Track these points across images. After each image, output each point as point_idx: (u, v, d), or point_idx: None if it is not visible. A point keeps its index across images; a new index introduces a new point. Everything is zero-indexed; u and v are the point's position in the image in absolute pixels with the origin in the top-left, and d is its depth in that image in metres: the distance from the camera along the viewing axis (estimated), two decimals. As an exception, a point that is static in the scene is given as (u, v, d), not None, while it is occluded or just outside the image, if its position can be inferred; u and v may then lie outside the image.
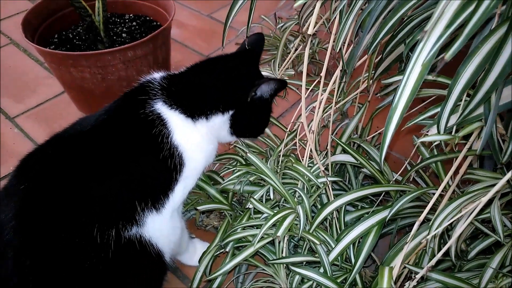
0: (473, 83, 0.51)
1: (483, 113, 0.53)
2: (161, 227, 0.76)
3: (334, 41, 0.71)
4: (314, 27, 0.65)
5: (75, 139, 0.73)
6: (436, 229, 0.60)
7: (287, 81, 1.21)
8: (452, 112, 0.53)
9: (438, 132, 0.53)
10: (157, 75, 0.82)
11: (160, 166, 0.74)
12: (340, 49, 0.66)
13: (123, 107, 0.78)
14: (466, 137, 0.64)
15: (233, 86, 0.80)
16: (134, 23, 1.36)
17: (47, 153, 0.72)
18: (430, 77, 0.58)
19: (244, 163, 1.01)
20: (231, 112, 0.80)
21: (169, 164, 0.74)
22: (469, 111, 0.51)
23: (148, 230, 0.73)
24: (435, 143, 0.64)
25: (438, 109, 0.62)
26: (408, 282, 0.54)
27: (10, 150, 1.27)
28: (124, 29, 1.33)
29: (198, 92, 0.80)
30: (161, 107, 0.76)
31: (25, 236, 0.65)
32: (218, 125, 0.81)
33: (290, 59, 1.06)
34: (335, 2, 0.74)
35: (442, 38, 0.41)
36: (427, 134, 0.58)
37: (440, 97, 0.70)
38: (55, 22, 1.29)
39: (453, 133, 0.55)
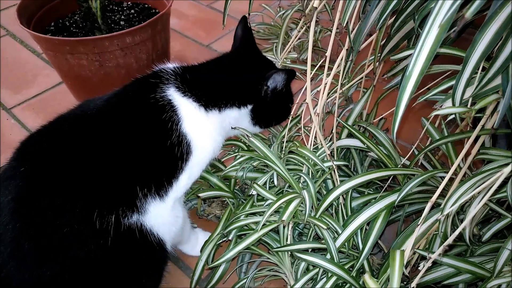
0: (490, 52, 0.49)
1: (501, 84, 0.50)
2: (163, 216, 0.73)
3: (339, 20, 0.68)
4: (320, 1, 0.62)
5: (80, 121, 0.71)
6: (451, 207, 0.57)
7: (291, 65, 1.19)
8: (468, 84, 0.50)
9: (453, 105, 0.50)
10: (171, 65, 0.81)
11: (166, 153, 0.72)
12: (347, 23, 0.63)
13: (133, 90, 0.77)
14: (479, 113, 0.61)
15: (247, 82, 0.81)
16: (132, 11, 1.33)
17: (49, 134, 0.70)
18: (443, 50, 0.55)
19: (246, 149, 0.98)
20: (249, 107, 0.82)
21: (176, 151, 0.72)
22: (486, 81, 0.49)
23: (149, 218, 0.70)
24: (448, 119, 0.61)
25: (451, 83, 0.59)
26: (422, 263, 0.52)
27: (7, 141, 1.24)
28: (122, 17, 1.30)
29: (214, 84, 0.80)
30: (173, 93, 0.74)
31: (23, 220, 0.62)
32: (233, 118, 0.82)
33: (292, 43, 1.03)
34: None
35: (461, -4, 0.38)
36: (439, 109, 0.55)
37: (452, 74, 0.67)
38: (52, 9, 1.26)
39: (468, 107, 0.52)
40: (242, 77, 0.82)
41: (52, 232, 0.62)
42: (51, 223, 0.62)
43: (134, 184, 0.68)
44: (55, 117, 0.74)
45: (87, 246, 0.64)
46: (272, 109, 0.86)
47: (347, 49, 0.76)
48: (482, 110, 0.58)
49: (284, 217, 0.72)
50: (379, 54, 0.80)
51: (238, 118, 0.83)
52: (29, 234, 0.62)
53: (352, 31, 0.73)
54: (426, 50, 0.42)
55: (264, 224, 0.77)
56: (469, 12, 0.36)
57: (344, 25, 0.63)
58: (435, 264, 0.70)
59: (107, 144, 0.68)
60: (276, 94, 0.83)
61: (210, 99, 0.77)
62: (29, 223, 0.62)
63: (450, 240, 0.48)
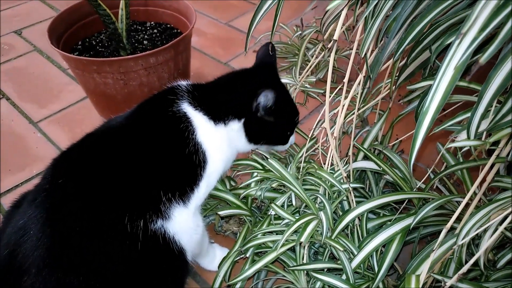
0: (505, 88, 0.51)
1: (515, 119, 0.52)
2: (186, 222, 0.78)
3: (358, 48, 0.71)
4: (338, 33, 0.65)
5: (107, 134, 0.78)
6: (463, 238, 0.58)
7: (309, 89, 1.22)
8: (483, 117, 0.53)
9: (468, 138, 0.52)
10: (183, 82, 0.87)
11: (186, 160, 0.77)
12: (365, 55, 0.66)
13: (153, 104, 0.84)
14: (494, 144, 0.63)
15: (242, 96, 0.84)
16: (155, 31, 1.38)
17: (79, 150, 0.76)
18: (461, 83, 0.57)
19: (261, 169, 1.00)
20: (243, 120, 0.85)
21: (194, 159, 0.77)
22: (501, 116, 0.51)
23: (173, 225, 0.74)
24: (463, 150, 0.63)
25: (466, 115, 0.61)
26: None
27: (33, 154, 1.29)
28: (146, 36, 1.35)
29: (218, 98, 0.85)
30: (187, 107, 0.81)
31: (57, 229, 0.66)
32: (235, 131, 0.85)
33: (311, 66, 1.06)
34: (359, 8, 0.75)
35: (476, 41, 0.41)
36: (455, 140, 0.57)
37: (467, 104, 0.69)
38: (79, 29, 1.33)
39: (483, 139, 0.54)
40: (236, 92, 0.86)
41: (85, 239, 0.66)
42: (85, 230, 0.66)
43: (159, 189, 0.73)
44: (83, 136, 0.79)
45: (118, 251, 0.68)
46: (263, 126, 0.87)
47: (364, 76, 0.78)
48: (496, 142, 0.60)
49: (302, 239, 0.74)
50: (396, 77, 0.83)
51: (238, 130, 0.85)
52: (62, 242, 0.66)
53: (369, 58, 0.76)
54: (442, 89, 0.44)
55: (284, 243, 0.79)
56: (484, 58, 0.39)
57: (362, 56, 0.66)
58: (450, 288, 0.71)
59: (133, 153, 0.74)
60: (270, 111, 0.84)
61: (215, 114, 0.83)
62: (62, 231, 0.66)
63: (464, 269, 0.49)
